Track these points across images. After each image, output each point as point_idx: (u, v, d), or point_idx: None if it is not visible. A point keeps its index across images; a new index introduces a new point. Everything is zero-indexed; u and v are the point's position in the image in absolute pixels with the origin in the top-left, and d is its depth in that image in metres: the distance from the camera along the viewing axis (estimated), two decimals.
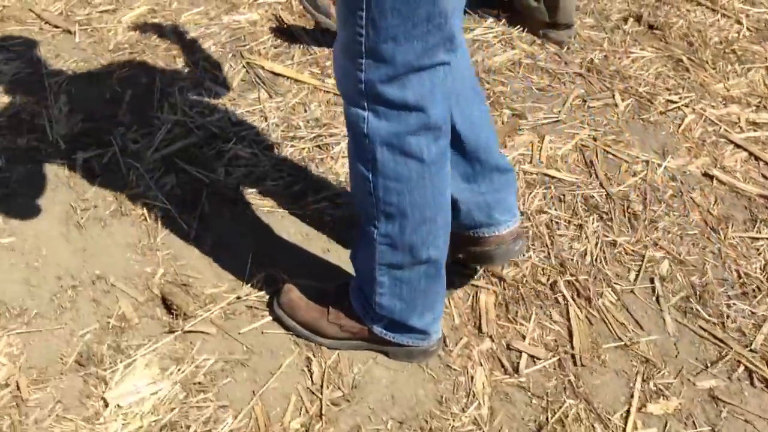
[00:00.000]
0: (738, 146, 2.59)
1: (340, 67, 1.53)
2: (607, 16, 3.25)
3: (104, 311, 1.95)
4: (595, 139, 2.55)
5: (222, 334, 1.91)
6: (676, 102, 2.75)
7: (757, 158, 2.55)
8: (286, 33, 3.04)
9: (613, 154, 2.50)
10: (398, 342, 1.82)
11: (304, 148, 2.45)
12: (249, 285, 2.02)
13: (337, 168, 2.41)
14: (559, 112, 2.67)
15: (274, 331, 1.91)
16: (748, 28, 3.17)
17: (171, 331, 1.90)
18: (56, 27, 2.98)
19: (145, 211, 2.22)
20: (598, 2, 3.32)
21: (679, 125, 2.65)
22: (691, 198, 2.34)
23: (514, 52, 2.97)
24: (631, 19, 3.19)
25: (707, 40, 3.08)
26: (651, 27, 3.14)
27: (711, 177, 2.45)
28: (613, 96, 2.76)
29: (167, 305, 1.96)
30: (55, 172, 2.33)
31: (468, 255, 1.93)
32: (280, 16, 3.12)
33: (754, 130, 2.66)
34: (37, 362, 1.82)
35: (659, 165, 2.46)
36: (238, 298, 1.99)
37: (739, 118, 2.70)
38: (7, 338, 1.85)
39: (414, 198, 1.57)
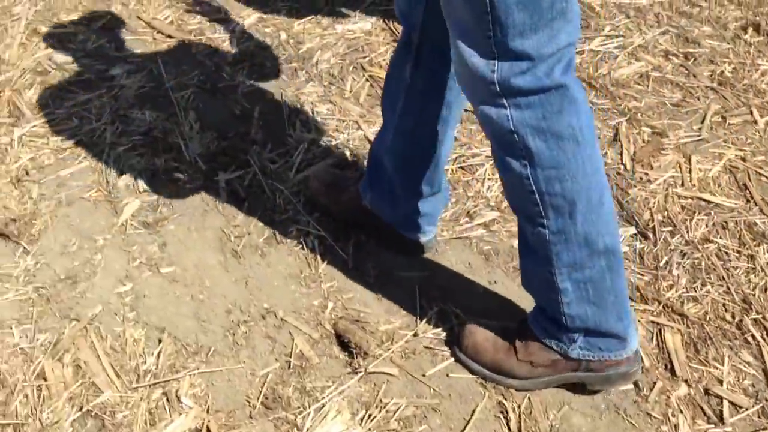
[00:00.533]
0: None
1: (467, 76, 1.49)
2: (724, 24, 3.14)
3: (281, 349, 1.88)
4: (743, 159, 2.46)
5: (405, 376, 1.83)
6: None
7: None
8: None
9: (766, 176, 2.41)
10: (598, 359, 1.70)
11: (447, 170, 2.36)
12: (423, 321, 1.94)
13: (484, 191, 2.32)
14: (700, 129, 2.58)
15: (460, 374, 1.84)
16: None
17: (354, 372, 1.83)
18: (170, 37, 2.89)
19: (299, 238, 2.14)
20: (711, 9, 3.22)
21: None
22: None
23: (641, 65, 2.87)
24: (750, 29, 3.09)
25: None
26: None
27: None
28: (751, 112, 2.66)
29: (343, 342, 1.88)
30: (200, 194, 2.25)
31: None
32: (394, 26, 3.02)
33: None
34: (223, 405, 1.75)
35: None
36: (415, 335, 1.91)
37: None
38: (189, 378, 1.78)
39: (578, 182, 1.50)
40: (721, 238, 2.19)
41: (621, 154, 2.47)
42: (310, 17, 3.04)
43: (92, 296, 1.97)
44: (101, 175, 2.29)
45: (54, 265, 2.03)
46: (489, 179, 2.36)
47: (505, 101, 1.47)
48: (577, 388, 1.79)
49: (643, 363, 1.85)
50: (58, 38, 2.82)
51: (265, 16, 3.05)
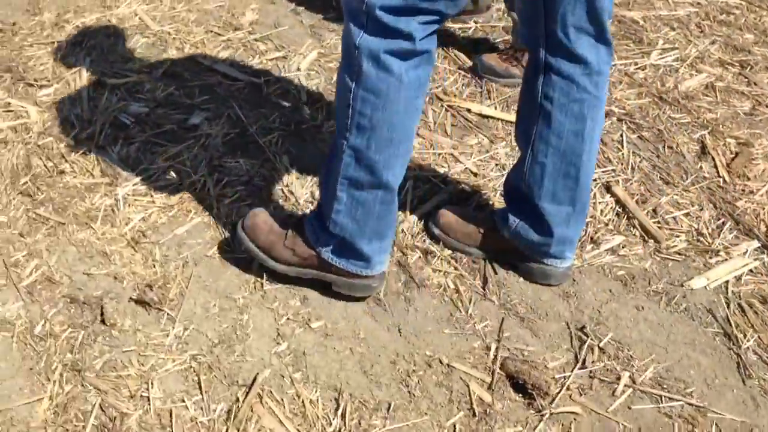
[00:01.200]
0: None
1: None
2: (763, 30, 3.22)
3: (458, 396, 1.84)
4: None
5: (590, 413, 1.82)
6: None
7: None
8: (465, 69, 2.93)
9: None
10: (343, 268, 1.92)
11: None
12: (585, 353, 1.93)
13: (599, 215, 2.32)
14: None
15: (642, 405, 1.83)
16: None
17: (539, 413, 1.80)
18: (236, 80, 2.82)
19: (438, 279, 2.11)
20: (746, 17, 3.29)
21: None
22: None
23: (703, 76, 2.92)
24: None
25: None
26: None
27: None
28: None
29: (518, 384, 1.86)
30: None
31: None
32: (454, 53, 3.01)
33: None
34: None
35: None
36: (583, 368, 1.90)
37: None
38: None
39: (386, 114, 1.71)
40: None
41: (715, 167, 2.51)
42: None
43: (252, 359, 1.90)
44: (217, 230, 2.22)
45: (204, 330, 1.96)
46: (600, 203, 2.36)
47: (365, 21, 1.65)
48: None
49: None
50: (126, 89, 2.73)
51: (323, 51, 3.00)
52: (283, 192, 2.37)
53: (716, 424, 1.81)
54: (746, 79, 2.92)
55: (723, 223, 2.30)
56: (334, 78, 2.81)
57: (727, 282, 2.13)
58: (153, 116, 2.62)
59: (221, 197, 2.33)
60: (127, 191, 2.33)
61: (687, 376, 1.90)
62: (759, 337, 1.99)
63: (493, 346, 1.95)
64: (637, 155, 2.53)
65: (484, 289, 2.09)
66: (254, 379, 1.85)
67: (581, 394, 1.85)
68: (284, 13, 3.19)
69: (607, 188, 2.40)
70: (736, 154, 2.56)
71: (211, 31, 3.04)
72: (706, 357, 1.94)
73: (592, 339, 1.97)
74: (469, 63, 2.93)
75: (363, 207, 1.85)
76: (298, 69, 2.90)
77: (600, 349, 1.95)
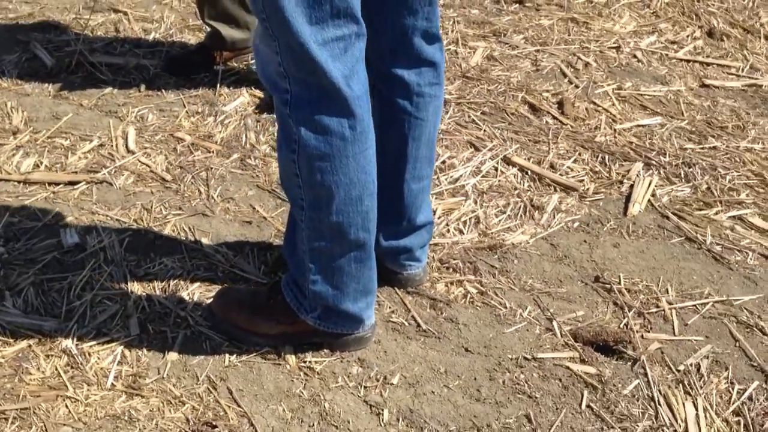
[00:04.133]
0: None
1: (259, 55, 1.54)
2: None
3: (568, 380, 1.79)
4: None
5: (665, 342, 1.90)
6: None
7: None
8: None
9: None
10: (332, 331, 1.77)
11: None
12: (616, 296, 2.00)
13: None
14: None
15: (693, 317, 1.96)
16: None
17: (637, 361, 1.84)
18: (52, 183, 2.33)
19: (456, 291, 2.01)
20: None
21: None
22: None
23: (480, 50, 3.12)
24: None
25: None
26: None
27: None
28: None
29: (600, 346, 1.87)
30: None
31: None
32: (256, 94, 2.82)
33: None
34: None
35: None
36: (629, 308, 1.97)
37: None
38: None
39: (338, 176, 1.55)
40: None
41: (555, 118, 2.72)
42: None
43: None
44: (213, 338, 1.84)
45: None
46: (509, 174, 2.42)
47: (288, 85, 1.50)
48: None
49: None
50: None
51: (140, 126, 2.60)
52: (234, 273, 2.03)
53: (745, 309, 2.00)
54: (508, 44, 3.17)
55: (602, 157, 2.51)
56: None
57: (650, 201, 2.34)
58: (16, 252, 2.04)
59: (180, 305, 1.92)
60: (73, 342, 1.80)
61: (692, 282, 2.07)
62: (709, 230, 2.23)
63: (555, 326, 1.91)
64: (496, 128, 2.62)
65: (499, 281, 2.03)
66: None
67: (648, 330, 1.92)
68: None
69: (507, 161, 2.47)
70: (559, 103, 2.80)
71: None
72: (692, 262, 2.13)
73: (612, 284, 2.03)
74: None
75: (338, 272, 1.68)
76: (129, 151, 2.47)
77: (627, 289, 2.02)
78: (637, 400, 1.75)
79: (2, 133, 2.51)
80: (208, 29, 2.87)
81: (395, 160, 1.79)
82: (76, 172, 2.34)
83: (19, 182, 2.30)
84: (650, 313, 1.96)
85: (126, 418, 1.65)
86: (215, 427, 1.59)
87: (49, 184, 2.29)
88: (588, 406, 1.73)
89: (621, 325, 1.92)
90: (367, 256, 1.69)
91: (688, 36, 3.31)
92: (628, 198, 2.35)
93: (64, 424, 1.63)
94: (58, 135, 2.51)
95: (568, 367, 1.81)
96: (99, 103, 2.68)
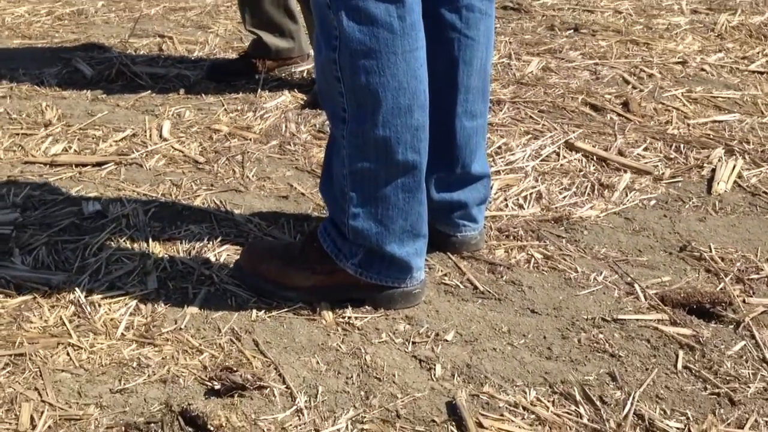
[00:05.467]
0: None
1: None
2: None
3: (656, 341, 1.51)
4: None
5: None
6: None
7: None
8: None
9: None
10: (375, 282, 1.51)
11: None
12: (707, 263, 1.72)
13: None
14: None
15: None
16: None
17: (739, 324, 1.54)
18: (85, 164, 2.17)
19: (518, 256, 1.75)
20: None
21: None
22: None
23: (536, 62, 2.95)
24: None
25: None
26: None
27: None
28: None
29: (693, 308, 1.59)
30: None
31: None
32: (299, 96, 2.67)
33: None
34: None
35: None
36: (725, 274, 1.69)
37: None
38: None
39: (386, 78, 1.35)
40: None
41: (620, 115, 2.50)
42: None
43: (429, 392, 1.36)
44: (238, 294, 1.61)
45: (335, 389, 1.36)
46: (573, 160, 2.19)
47: None
48: None
49: None
50: None
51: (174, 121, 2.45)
52: (259, 231, 1.81)
53: None
54: (564, 59, 3.00)
55: (677, 146, 2.27)
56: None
57: (735, 182, 2.08)
58: (33, 218, 1.86)
59: (205, 265, 1.70)
60: (82, 293, 1.58)
61: None
62: None
63: (637, 289, 1.63)
64: (556, 123, 2.41)
65: (567, 249, 1.77)
66: (454, 409, 1.31)
67: (750, 295, 1.62)
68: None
69: (570, 146, 2.24)
70: (624, 103, 2.58)
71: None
72: None
73: (703, 252, 1.75)
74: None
75: (383, 202, 1.44)
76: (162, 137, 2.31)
77: (720, 258, 1.74)
78: (746, 362, 1.44)
79: (34, 125, 2.39)
80: (251, 38, 2.77)
81: (445, 88, 1.59)
82: (105, 156, 2.19)
83: (45, 164, 2.15)
84: (750, 279, 1.67)
85: (134, 364, 1.40)
86: (236, 371, 1.33)
87: (76, 165, 2.14)
88: (685, 366, 1.43)
89: (717, 289, 1.63)
90: (417, 185, 1.46)
91: (758, 53, 3.10)
92: (710, 180, 2.09)
93: (63, 371, 1.39)
94: (90, 127, 2.38)
95: (656, 329, 1.52)
96: (136, 104, 2.56)
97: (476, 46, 1.57)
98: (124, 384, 1.36)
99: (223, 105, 2.54)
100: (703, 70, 2.90)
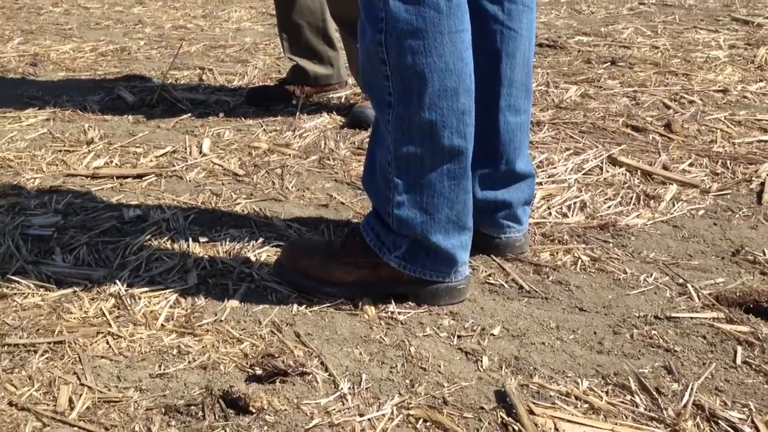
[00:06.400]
0: None
1: None
2: None
3: (713, 338, 1.45)
4: None
5: None
6: None
7: None
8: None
9: None
10: (419, 276, 1.48)
11: None
12: (762, 266, 1.67)
13: None
14: None
15: None
16: None
17: None
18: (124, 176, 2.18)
19: (564, 258, 1.71)
20: None
21: None
22: None
23: (574, 89, 2.95)
24: None
25: None
26: None
27: None
28: None
29: (750, 308, 1.53)
30: None
31: None
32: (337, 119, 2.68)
33: None
34: None
35: None
36: None
37: None
38: None
39: (432, 58, 1.34)
40: None
41: (663, 135, 2.47)
42: None
43: (477, 382, 1.32)
44: (279, 290, 1.58)
45: (379, 377, 1.32)
46: (616, 174, 2.16)
47: None
48: None
49: None
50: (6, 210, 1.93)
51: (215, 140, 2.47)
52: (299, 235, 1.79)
53: None
54: (602, 87, 2.99)
55: (723, 162, 2.23)
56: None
57: None
58: (74, 222, 1.86)
59: (245, 264, 1.68)
60: (123, 287, 1.57)
61: None
62: None
63: (690, 289, 1.58)
64: (598, 142, 2.38)
65: (615, 253, 1.72)
66: (503, 397, 1.26)
67: None
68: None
69: (612, 161, 2.21)
70: (666, 125, 2.56)
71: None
72: None
73: (757, 256, 1.70)
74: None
75: (429, 189, 1.42)
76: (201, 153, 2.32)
77: None
78: None
79: (76, 144, 2.42)
80: (291, 64, 2.80)
81: (488, 81, 1.57)
82: (145, 169, 2.20)
83: (86, 176, 2.17)
84: None
85: (174, 352, 1.38)
86: (278, 357, 1.30)
87: (117, 177, 2.15)
88: (744, 362, 1.37)
89: None
90: (463, 172, 1.44)
91: None
92: (759, 193, 2.04)
93: (102, 357, 1.37)
94: (131, 145, 2.40)
95: (712, 326, 1.46)
96: (177, 126, 2.59)
97: (519, 38, 1.56)
98: (164, 369, 1.33)
99: (263, 126, 2.56)
100: (744, 97, 2.87)
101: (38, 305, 1.52)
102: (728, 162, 2.22)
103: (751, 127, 2.53)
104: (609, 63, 3.29)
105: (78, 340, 1.41)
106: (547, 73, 3.14)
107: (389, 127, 1.41)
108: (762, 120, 2.59)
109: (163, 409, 1.24)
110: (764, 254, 1.72)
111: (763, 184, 2.08)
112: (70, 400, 1.26)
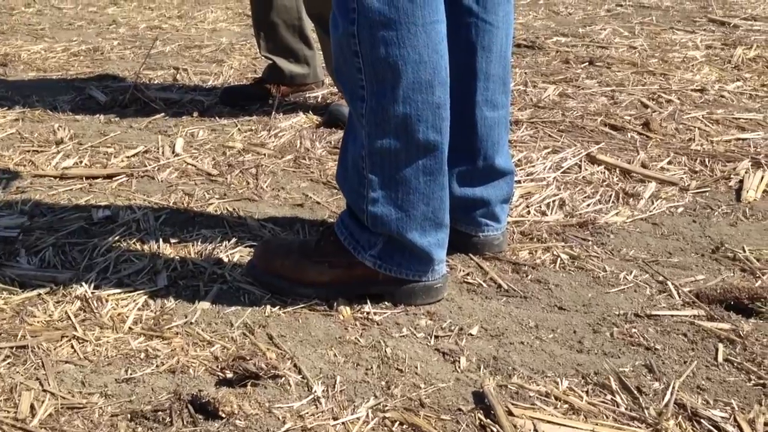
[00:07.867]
0: None
1: None
2: None
3: (694, 335, 1.42)
4: None
5: None
6: None
7: None
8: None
9: None
10: (394, 276, 1.44)
11: None
12: (743, 264, 1.65)
13: None
14: None
15: None
16: None
17: None
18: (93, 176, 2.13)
19: (543, 257, 1.68)
20: None
21: None
22: None
23: (552, 88, 2.92)
24: None
25: None
26: None
27: None
28: None
29: (731, 305, 1.50)
30: None
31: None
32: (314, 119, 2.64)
33: None
34: None
35: None
36: (760, 274, 1.61)
37: None
38: None
39: (406, 50, 1.30)
40: None
41: (641, 134, 2.45)
42: None
43: (454, 383, 1.28)
44: (252, 291, 1.54)
45: (354, 379, 1.28)
46: (595, 172, 2.14)
47: None
48: None
49: None
50: None
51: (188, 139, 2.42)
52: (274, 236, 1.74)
53: None
54: (580, 87, 2.97)
55: (702, 159, 2.21)
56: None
57: (765, 191, 2.01)
58: (40, 223, 1.81)
59: (217, 264, 1.63)
60: (89, 289, 1.52)
61: None
62: None
63: (670, 287, 1.55)
64: (576, 140, 2.36)
65: (594, 251, 1.69)
66: (482, 398, 1.22)
67: None
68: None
69: (591, 159, 2.19)
70: (644, 123, 2.54)
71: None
72: None
73: (737, 253, 1.68)
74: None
75: (404, 185, 1.38)
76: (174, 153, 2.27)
77: (756, 258, 1.67)
78: None
79: (45, 144, 2.36)
80: (267, 63, 2.75)
81: (464, 76, 1.54)
82: (116, 169, 2.15)
83: (55, 177, 2.11)
84: None
85: (141, 356, 1.33)
86: (249, 359, 1.26)
87: (86, 177, 2.09)
88: (726, 359, 1.34)
89: (755, 286, 1.54)
90: (438, 168, 1.40)
91: None
92: (738, 190, 2.02)
93: (66, 362, 1.32)
94: (102, 145, 2.35)
95: (693, 323, 1.44)
96: (149, 126, 2.53)
97: (495, 31, 1.53)
98: (131, 374, 1.28)
99: (237, 126, 2.51)
100: (722, 96, 2.86)
101: (1, 309, 1.46)
102: (707, 160, 2.20)
103: (729, 126, 2.52)
104: (587, 63, 3.27)
105: (41, 344, 1.36)
106: (525, 73, 3.11)
107: (363, 121, 1.37)
108: (739, 118, 2.58)
109: (129, 416, 1.19)
110: (744, 251, 1.70)
111: (741, 181, 2.06)
112: (32, 407, 1.21)
